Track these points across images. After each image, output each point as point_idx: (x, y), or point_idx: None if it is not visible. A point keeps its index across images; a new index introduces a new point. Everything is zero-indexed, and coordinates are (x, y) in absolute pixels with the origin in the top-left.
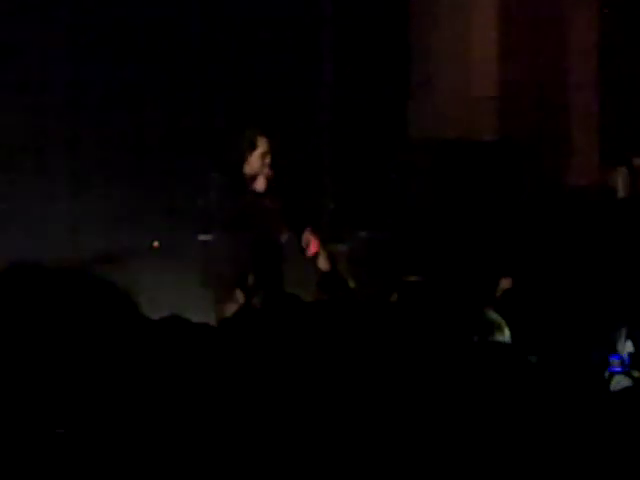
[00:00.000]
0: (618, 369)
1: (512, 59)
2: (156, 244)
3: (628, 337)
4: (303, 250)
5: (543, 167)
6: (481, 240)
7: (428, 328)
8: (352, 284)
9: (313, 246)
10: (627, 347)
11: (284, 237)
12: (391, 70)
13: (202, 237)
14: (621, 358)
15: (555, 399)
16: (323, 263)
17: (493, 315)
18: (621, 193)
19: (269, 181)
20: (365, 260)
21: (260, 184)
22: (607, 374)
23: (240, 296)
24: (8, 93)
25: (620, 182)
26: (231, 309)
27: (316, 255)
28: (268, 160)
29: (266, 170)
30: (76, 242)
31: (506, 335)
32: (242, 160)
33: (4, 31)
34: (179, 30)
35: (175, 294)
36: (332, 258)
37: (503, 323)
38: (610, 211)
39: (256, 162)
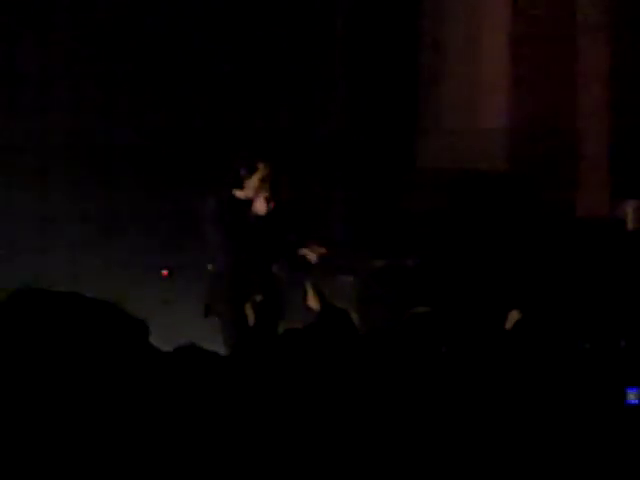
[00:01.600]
0: (635, 402)
1: (522, 90)
2: (165, 272)
3: None
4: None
5: (553, 199)
6: (491, 271)
7: (432, 358)
8: (355, 316)
9: (317, 252)
10: None
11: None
12: (401, 100)
13: (210, 267)
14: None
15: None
16: (312, 302)
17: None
18: (630, 225)
19: (268, 204)
20: (373, 291)
21: (260, 207)
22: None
23: (249, 311)
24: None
25: (630, 214)
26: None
27: (305, 296)
28: (267, 184)
29: (265, 193)
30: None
31: None
32: (240, 184)
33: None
34: (182, 33)
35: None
36: (322, 295)
37: None
38: (619, 243)
39: (255, 185)
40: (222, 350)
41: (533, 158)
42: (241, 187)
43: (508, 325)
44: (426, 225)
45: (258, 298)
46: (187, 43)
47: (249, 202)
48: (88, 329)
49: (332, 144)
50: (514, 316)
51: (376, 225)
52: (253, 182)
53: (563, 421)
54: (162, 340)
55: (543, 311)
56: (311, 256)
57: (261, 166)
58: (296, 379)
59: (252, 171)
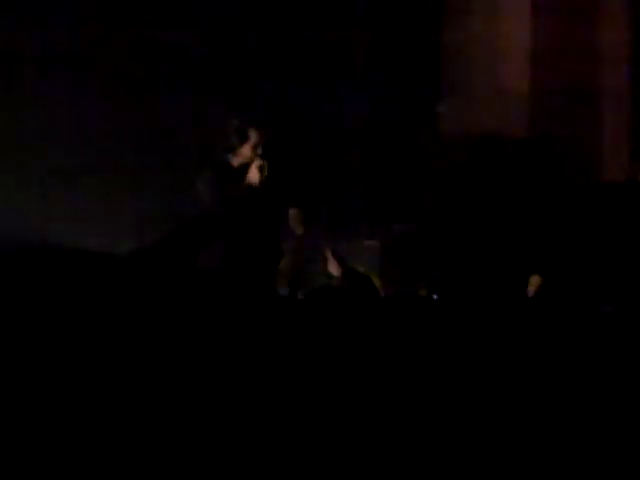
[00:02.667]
0: None
1: (544, 56)
2: None
3: None
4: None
5: (574, 163)
6: (512, 236)
7: (456, 322)
8: (377, 280)
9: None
10: None
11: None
12: (422, 66)
13: None
14: None
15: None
16: (333, 268)
17: None
18: None
19: (262, 172)
20: (396, 255)
21: (254, 176)
22: None
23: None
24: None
25: None
26: None
27: (325, 262)
28: (260, 151)
29: (258, 161)
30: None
31: None
32: (232, 151)
33: None
34: (191, 23)
35: None
36: (342, 260)
37: None
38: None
39: (247, 153)
40: None
41: (554, 122)
42: (234, 155)
43: (530, 290)
44: (448, 189)
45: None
46: (200, 35)
47: (245, 170)
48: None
49: (352, 109)
50: (536, 281)
51: (397, 189)
52: (245, 150)
53: (583, 391)
54: None
55: (564, 276)
56: (334, 270)
57: (252, 133)
58: (319, 343)
59: (243, 139)
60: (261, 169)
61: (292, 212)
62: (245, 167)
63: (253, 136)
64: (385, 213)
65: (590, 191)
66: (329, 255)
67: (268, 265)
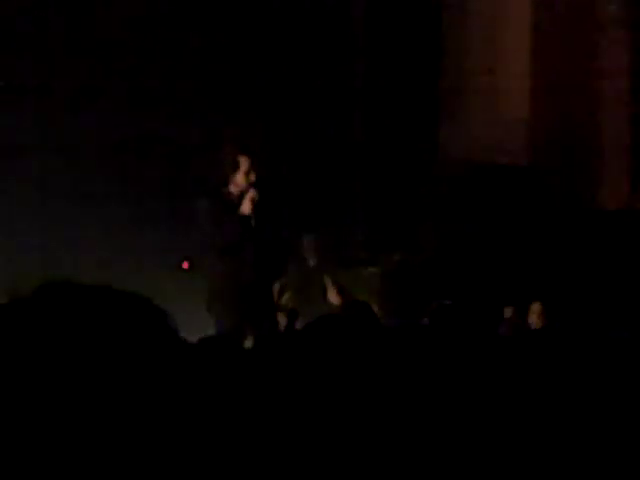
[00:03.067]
0: None
1: (543, 83)
2: (186, 265)
3: None
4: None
5: (573, 191)
6: (511, 263)
7: (458, 351)
8: (376, 309)
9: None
10: None
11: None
12: (423, 93)
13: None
14: None
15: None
16: (333, 297)
17: None
18: None
19: (254, 204)
20: (397, 283)
21: (246, 207)
22: None
23: (282, 319)
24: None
25: None
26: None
27: (325, 291)
28: (253, 178)
29: (251, 192)
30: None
31: None
32: (226, 181)
33: None
34: (196, 29)
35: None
36: (342, 289)
37: None
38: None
39: (241, 181)
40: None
41: (553, 150)
42: (228, 184)
43: (530, 318)
44: (447, 217)
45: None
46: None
47: (239, 200)
48: (119, 325)
49: (353, 135)
50: (536, 309)
51: (397, 217)
52: (238, 178)
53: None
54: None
55: (563, 303)
56: (333, 299)
57: (242, 160)
58: (318, 371)
59: (235, 167)
60: (253, 200)
61: (307, 241)
62: (242, 196)
63: (244, 164)
64: (383, 241)
65: (589, 218)
66: (329, 284)
67: (269, 294)
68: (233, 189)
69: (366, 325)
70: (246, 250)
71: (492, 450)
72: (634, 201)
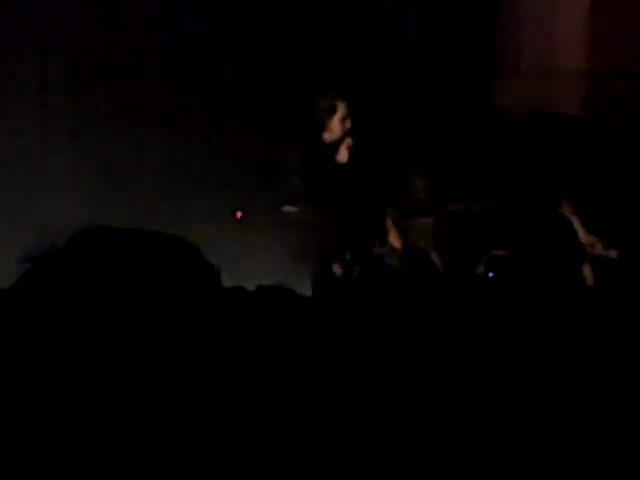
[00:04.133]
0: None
1: (603, 32)
2: (239, 214)
3: None
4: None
5: (628, 144)
6: (567, 216)
7: (513, 301)
8: (435, 257)
9: (395, 241)
10: None
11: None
12: (477, 45)
13: (286, 209)
14: None
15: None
16: (394, 240)
17: None
18: None
19: (351, 151)
20: (450, 233)
21: (342, 155)
22: None
23: (338, 270)
24: None
25: None
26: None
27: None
28: (348, 125)
29: (348, 139)
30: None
31: None
32: (322, 126)
33: None
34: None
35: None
36: (404, 233)
37: None
38: None
39: (336, 127)
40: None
41: (612, 102)
42: (324, 129)
43: (585, 270)
44: (503, 168)
45: (347, 256)
46: None
47: (334, 147)
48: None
49: (408, 86)
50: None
51: (453, 166)
52: (334, 123)
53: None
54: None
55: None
56: (395, 242)
57: (340, 105)
58: (376, 320)
59: (332, 112)
60: (350, 148)
61: (389, 223)
62: (337, 144)
63: (341, 109)
64: (439, 191)
65: None
66: (390, 226)
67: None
68: (327, 136)
69: (423, 276)
70: (341, 202)
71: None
72: None
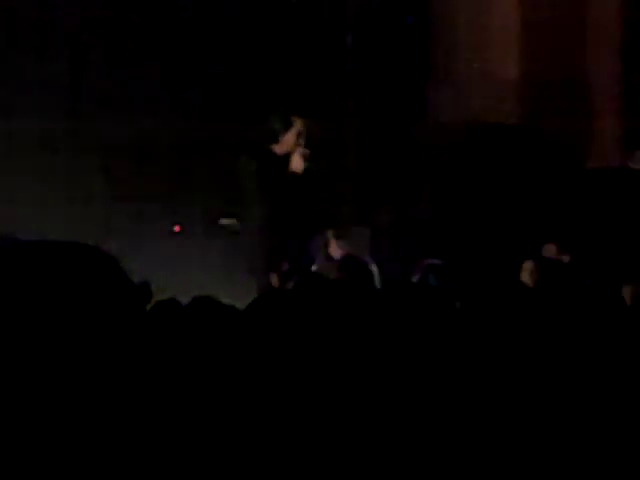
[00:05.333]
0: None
1: (534, 41)
2: (177, 228)
3: None
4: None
5: (565, 150)
6: (503, 223)
7: (450, 309)
8: (374, 267)
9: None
10: None
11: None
12: (411, 51)
13: (224, 221)
14: None
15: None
16: (335, 250)
17: None
18: None
19: (306, 160)
20: (387, 242)
21: (297, 164)
22: None
23: (275, 280)
24: None
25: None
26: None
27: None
28: (302, 139)
29: (301, 149)
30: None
31: None
32: (275, 139)
33: None
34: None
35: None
36: (344, 244)
37: None
38: (632, 194)
39: (289, 142)
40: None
41: (544, 108)
42: (276, 142)
43: (523, 276)
44: (437, 176)
45: (285, 267)
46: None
47: (286, 159)
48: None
49: (343, 95)
50: (528, 266)
51: (388, 176)
52: (288, 137)
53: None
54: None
55: (557, 261)
56: (334, 252)
57: (296, 121)
58: (312, 332)
59: (287, 126)
60: (304, 157)
61: (329, 234)
62: (287, 156)
63: (297, 124)
64: (374, 200)
65: (581, 177)
66: (331, 237)
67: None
68: (278, 149)
69: (359, 285)
70: (287, 208)
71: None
72: (626, 159)
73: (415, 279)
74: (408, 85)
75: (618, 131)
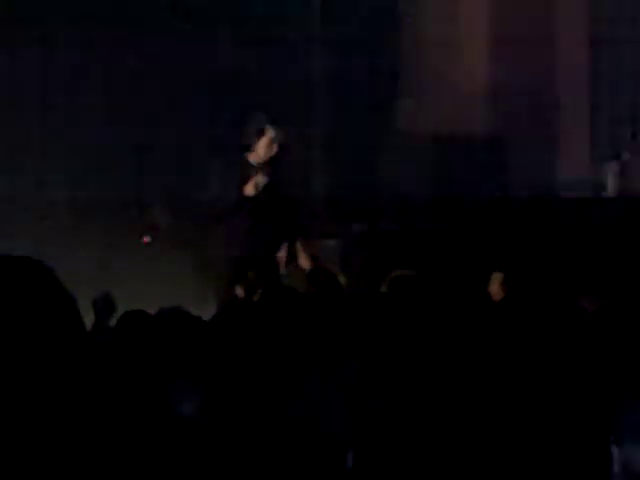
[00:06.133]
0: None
1: (504, 54)
2: (146, 239)
3: None
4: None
5: (533, 162)
6: (471, 235)
7: (416, 320)
8: (342, 278)
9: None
10: None
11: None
12: (381, 64)
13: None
14: None
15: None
16: (304, 262)
17: None
18: (610, 188)
19: (257, 189)
20: (356, 254)
21: (249, 189)
22: None
23: (240, 292)
24: None
25: (610, 177)
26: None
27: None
28: (274, 150)
29: (258, 176)
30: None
31: None
32: (249, 148)
33: None
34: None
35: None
36: (314, 256)
37: None
38: (598, 206)
39: (262, 151)
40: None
41: (513, 123)
42: (250, 150)
43: (491, 287)
44: (405, 189)
45: (251, 275)
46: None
47: (258, 168)
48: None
49: (312, 106)
50: (497, 278)
51: (356, 188)
52: (260, 146)
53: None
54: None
55: (524, 272)
56: (304, 264)
57: (268, 129)
58: (285, 340)
59: (259, 134)
60: (256, 186)
61: (298, 245)
62: (261, 166)
63: (269, 133)
64: (342, 212)
65: (548, 190)
66: (300, 249)
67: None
68: (252, 158)
69: (330, 295)
70: (243, 221)
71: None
72: (593, 171)
73: (384, 290)
74: (377, 95)
75: (586, 142)
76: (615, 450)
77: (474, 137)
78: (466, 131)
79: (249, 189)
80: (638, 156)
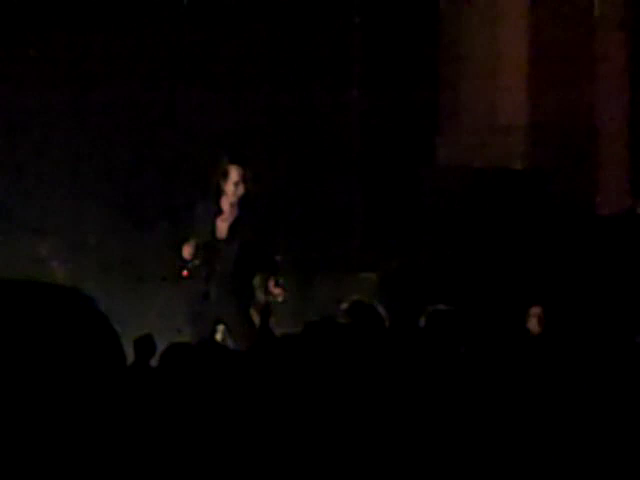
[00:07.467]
0: None
1: (542, 87)
2: (185, 273)
3: None
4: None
5: (573, 195)
6: (510, 268)
7: (455, 354)
8: (382, 310)
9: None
10: None
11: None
12: (419, 97)
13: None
14: None
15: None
16: (273, 289)
17: None
18: None
19: (229, 227)
20: (395, 288)
21: (221, 230)
22: None
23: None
24: None
25: None
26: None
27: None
28: (241, 190)
29: (225, 214)
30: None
31: None
32: (219, 190)
33: None
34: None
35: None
36: (279, 282)
37: None
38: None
39: (229, 191)
40: None
41: (552, 156)
42: (221, 194)
43: (529, 322)
44: (444, 223)
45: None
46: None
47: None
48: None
49: (351, 141)
50: (535, 312)
51: (395, 222)
52: (228, 188)
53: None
54: None
55: (564, 307)
56: (274, 291)
57: (232, 170)
58: (321, 374)
59: (225, 176)
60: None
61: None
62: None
63: (233, 173)
64: (381, 246)
65: (589, 223)
66: (264, 280)
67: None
68: (224, 200)
69: (370, 328)
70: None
71: (482, 450)
72: (634, 205)
73: (421, 324)
74: (415, 129)
75: (626, 175)
76: None
77: (512, 170)
78: (504, 164)
79: (221, 230)
80: None
